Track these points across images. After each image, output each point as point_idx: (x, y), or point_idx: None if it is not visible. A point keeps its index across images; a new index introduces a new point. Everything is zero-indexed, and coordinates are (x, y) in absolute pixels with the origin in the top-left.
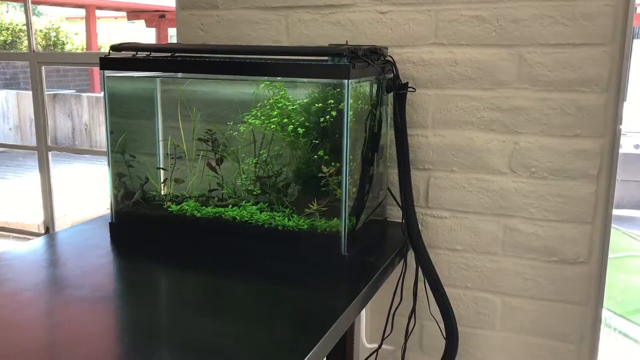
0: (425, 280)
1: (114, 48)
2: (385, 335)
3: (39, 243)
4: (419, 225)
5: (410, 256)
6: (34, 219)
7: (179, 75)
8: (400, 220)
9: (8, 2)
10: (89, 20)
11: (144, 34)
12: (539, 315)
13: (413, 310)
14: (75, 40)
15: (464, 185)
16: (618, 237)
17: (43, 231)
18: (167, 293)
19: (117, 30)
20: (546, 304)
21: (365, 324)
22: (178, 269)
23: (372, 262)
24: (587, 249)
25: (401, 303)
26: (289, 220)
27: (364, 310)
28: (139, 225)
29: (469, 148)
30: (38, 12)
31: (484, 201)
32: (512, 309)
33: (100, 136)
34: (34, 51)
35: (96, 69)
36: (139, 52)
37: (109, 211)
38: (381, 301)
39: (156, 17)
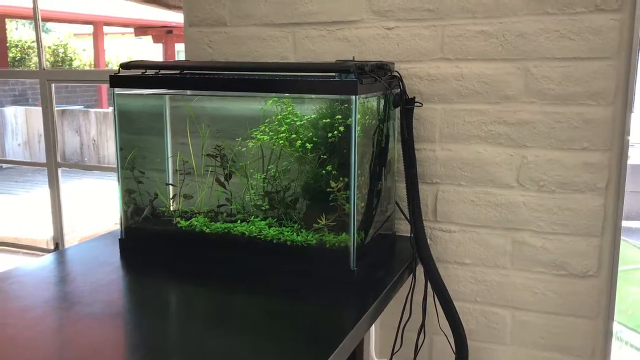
0: (435, 295)
1: (124, 66)
2: (395, 350)
3: (48, 259)
4: (428, 239)
5: (419, 270)
6: (43, 235)
7: (188, 92)
8: (409, 235)
9: (17, 20)
10: (97, 37)
11: (151, 50)
12: (550, 329)
13: (422, 325)
14: (82, 56)
15: (472, 199)
16: (628, 249)
17: (52, 247)
18: (176, 309)
19: (124, 46)
20: (556, 317)
21: (375, 339)
22: (187, 285)
23: (381, 276)
24: (597, 262)
25: (410, 318)
26: (298, 235)
27: (373, 325)
28: (148, 241)
29: (477, 162)
30: (46, 28)
31: (492, 215)
32: (522, 323)
33: (108, 152)
34: (44, 69)
35: (104, 85)
36: (147, 70)
37: (117, 226)
38: (390, 316)
39: (163, 33)
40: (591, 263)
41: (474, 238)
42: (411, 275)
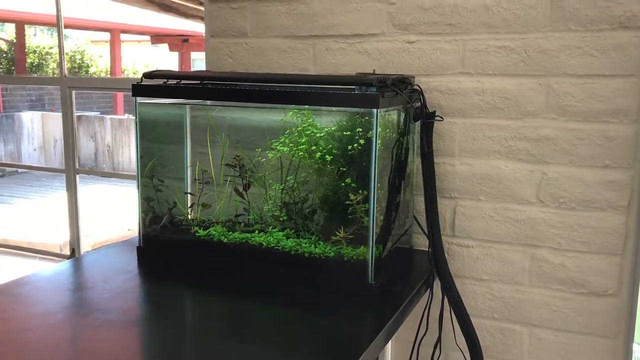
0: (451, 310)
1: (147, 75)
2: None
3: (67, 265)
4: (445, 254)
5: (437, 285)
6: (56, 240)
7: (208, 102)
8: (426, 249)
9: (35, 26)
10: (114, 44)
11: (167, 58)
12: (568, 347)
13: (439, 340)
14: (99, 63)
15: (491, 215)
16: None
17: (67, 252)
18: (193, 318)
19: (140, 54)
20: (575, 336)
21: (390, 353)
22: (204, 294)
23: (398, 291)
24: (617, 281)
25: (427, 332)
26: (316, 247)
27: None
28: (166, 250)
29: (497, 177)
30: (65, 35)
31: (511, 231)
32: (540, 340)
33: (123, 158)
34: (65, 76)
35: (120, 92)
36: (169, 80)
37: (130, 232)
38: (406, 330)
39: (179, 42)
40: (611, 282)
41: (492, 254)
42: (428, 290)
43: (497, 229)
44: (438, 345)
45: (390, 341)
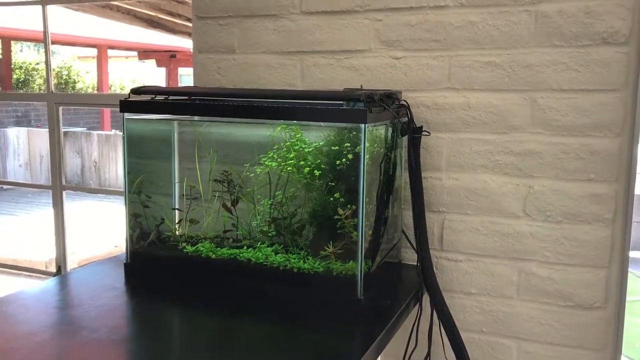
0: (441, 324)
1: (134, 91)
2: None
3: (52, 283)
4: (434, 269)
5: (425, 300)
6: (42, 257)
7: (196, 118)
8: (415, 263)
9: (22, 42)
10: (101, 59)
11: (154, 74)
12: None
13: (428, 355)
14: (86, 78)
15: (478, 229)
16: (633, 280)
17: (52, 269)
18: (182, 335)
19: (127, 70)
20: (563, 349)
21: None
22: (193, 311)
23: (388, 305)
24: (604, 293)
25: (416, 348)
26: (304, 262)
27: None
28: (154, 266)
29: (484, 191)
30: (52, 51)
31: (498, 244)
32: (528, 354)
33: (110, 174)
34: (52, 91)
35: (107, 108)
36: (157, 96)
37: (117, 249)
38: (396, 345)
39: (167, 57)
40: (598, 294)
41: (480, 268)
42: (417, 305)
43: (484, 242)
44: None
45: (379, 357)
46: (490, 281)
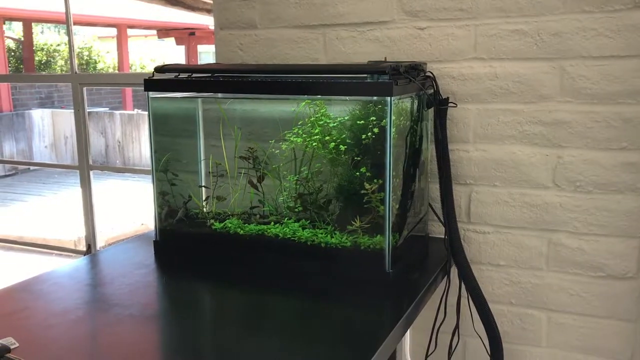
0: (469, 297)
1: (158, 70)
2: (429, 352)
3: (84, 262)
4: (462, 241)
5: (453, 272)
6: (70, 236)
7: (220, 95)
8: (442, 236)
9: (43, 24)
10: (121, 39)
11: (174, 52)
12: (587, 331)
13: (456, 327)
14: (107, 58)
15: (506, 200)
16: None
17: (83, 248)
18: (212, 310)
19: (147, 49)
20: (594, 320)
21: (409, 341)
22: (222, 287)
23: (416, 278)
24: (636, 263)
25: (445, 320)
26: (332, 237)
27: None
28: (182, 243)
29: (512, 162)
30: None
31: (527, 216)
32: (558, 325)
33: (134, 153)
34: (76, 72)
35: (128, 87)
36: (181, 74)
37: (144, 226)
38: (424, 318)
39: (186, 35)
40: (630, 265)
41: (508, 239)
42: (445, 277)
43: (513, 214)
44: (456, 332)
45: (408, 330)
46: (519, 253)
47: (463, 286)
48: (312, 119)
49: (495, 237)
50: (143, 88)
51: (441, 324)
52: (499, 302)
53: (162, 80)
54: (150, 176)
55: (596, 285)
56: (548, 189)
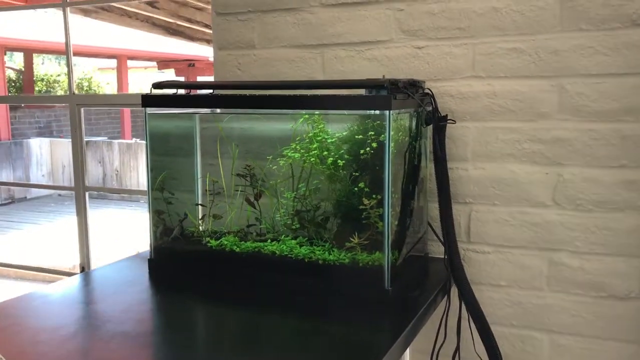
0: (470, 318)
1: (156, 86)
2: None
3: (77, 280)
4: (462, 261)
5: (453, 293)
6: (66, 263)
7: (218, 110)
8: (442, 256)
9: (44, 55)
10: (121, 70)
11: None
12: (589, 353)
13: (457, 349)
14: (106, 89)
15: (506, 219)
16: None
17: (77, 272)
18: (207, 329)
19: (147, 80)
20: (596, 341)
21: None
22: (218, 305)
23: (415, 297)
24: (639, 283)
25: (445, 342)
26: (330, 254)
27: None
28: (177, 261)
29: (511, 181)
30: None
31: (527, 235)
32: (560, 347)
33: (131, 182)
34: (73, 93)
35: (127, 116)
36: (179, 89)
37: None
38: (423, 340)
39: (185, 66)
40: (633, 284)
41: (508, 259)
42: (445, 297)
43: (513, 233)
44: (457, 355)
45: (407, 351)
46: (520, 273)
47: (463, 307)
48: (310, 134)
49: (495, 256)
50: (141, 104)
51: (441, 347)
52: (499, 323)
53: (160, 96)
54: (146, 198)
55: (598, 305)
56: (548, 207)
